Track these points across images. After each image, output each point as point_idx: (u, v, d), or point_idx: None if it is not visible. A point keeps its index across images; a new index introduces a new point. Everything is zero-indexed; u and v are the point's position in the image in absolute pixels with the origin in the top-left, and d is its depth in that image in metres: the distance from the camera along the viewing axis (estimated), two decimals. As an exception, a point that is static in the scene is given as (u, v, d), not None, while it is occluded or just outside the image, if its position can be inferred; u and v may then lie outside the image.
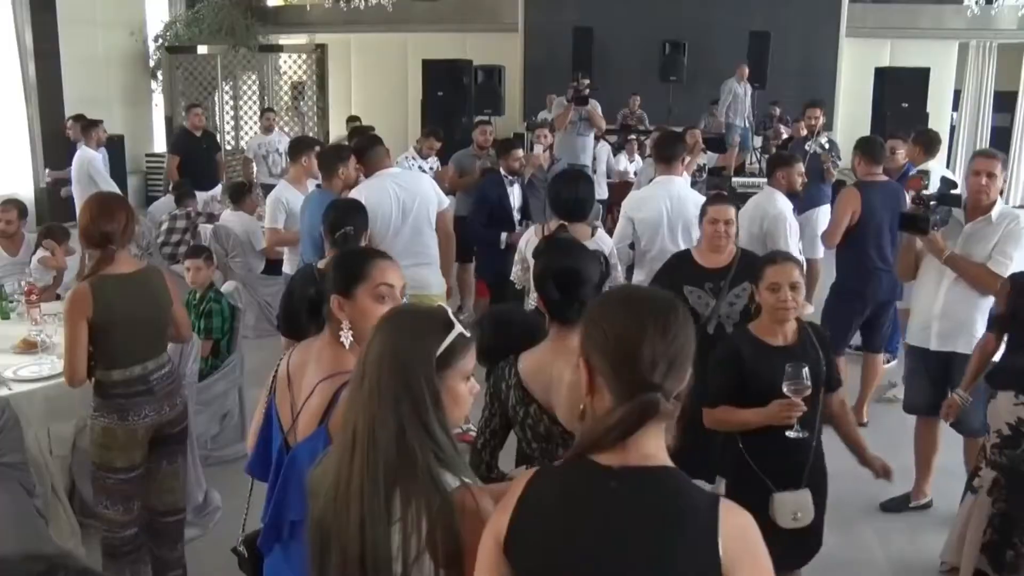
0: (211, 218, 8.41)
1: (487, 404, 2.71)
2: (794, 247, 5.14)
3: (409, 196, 5.24)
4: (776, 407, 3.08)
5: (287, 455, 2.28)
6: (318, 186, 5.73)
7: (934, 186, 4.83)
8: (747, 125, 13.35)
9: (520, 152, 7.02)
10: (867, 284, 5.66)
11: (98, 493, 3.66)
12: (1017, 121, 16.23)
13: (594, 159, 9.80)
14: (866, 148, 5.89)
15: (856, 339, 6.17)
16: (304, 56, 15.73)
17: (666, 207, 5.26)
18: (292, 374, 2.42)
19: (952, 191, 4.57)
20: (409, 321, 1.86)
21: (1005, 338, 4.00)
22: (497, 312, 3.05)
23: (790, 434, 3.14)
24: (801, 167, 5.67)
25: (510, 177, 6.75)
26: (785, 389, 3.03)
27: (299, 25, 17.49)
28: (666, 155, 5.54)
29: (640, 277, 5.22)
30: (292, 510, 2.18)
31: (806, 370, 3.02)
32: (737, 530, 1.51)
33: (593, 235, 4.60)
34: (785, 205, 5.34)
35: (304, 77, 15.69)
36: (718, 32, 14.93)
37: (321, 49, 15.86)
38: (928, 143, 6.90)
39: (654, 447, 1.56)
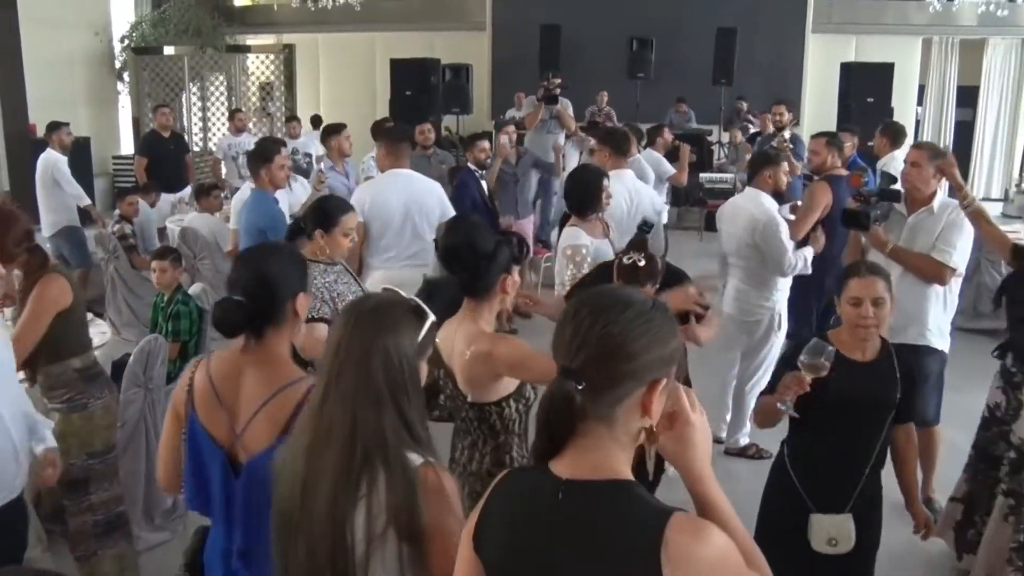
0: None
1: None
2: (789, 247, 5.13)
3: (414, 200, 5.32)
4: (788, 378, 2.90)
5: (236, 473, 2.22)
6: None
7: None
8: None
9: (486, 143, 7.09)
10: (828, 275, 5.72)
11: (99, 480, 3.74)
12: (979, 115, 16.46)
13: (564, 156, 9.83)
14: (834, 141, 5.97)
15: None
16: (272, 56, 15.67)
17: (625, 200, 5.34)
18: (219, 386, 2.28)
19: (892, 186, 4.65)
20: (386, 315, 1.89)
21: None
22: (430, 282, 3.12)
23: (780, 405, 2.94)
24: (787, 166, 5.65)
25: (479, 172, 6.80)
26: (800, 360, 2.87)
27: (267, 25, 17.43)
28: (621, 149, 5.66)
29: None
30: (249, 532, 2.17)
31: (831, 349, 2.83)
32: (686, 550, 1.39)
33: (607, 234, 4.66)
34: (772, 206, 5.31)
35: (272, 77, 15.63)
36: (685, 29, 15.03)
37: (289, 49, 15.82)
38: (894, 135, 7.07)
39: (609, 460, 1.50)
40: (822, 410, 2.95)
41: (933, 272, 4.41)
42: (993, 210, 13.80)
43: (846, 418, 2.99)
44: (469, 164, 6.95)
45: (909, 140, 8.45)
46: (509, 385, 2.83)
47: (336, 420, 1.82)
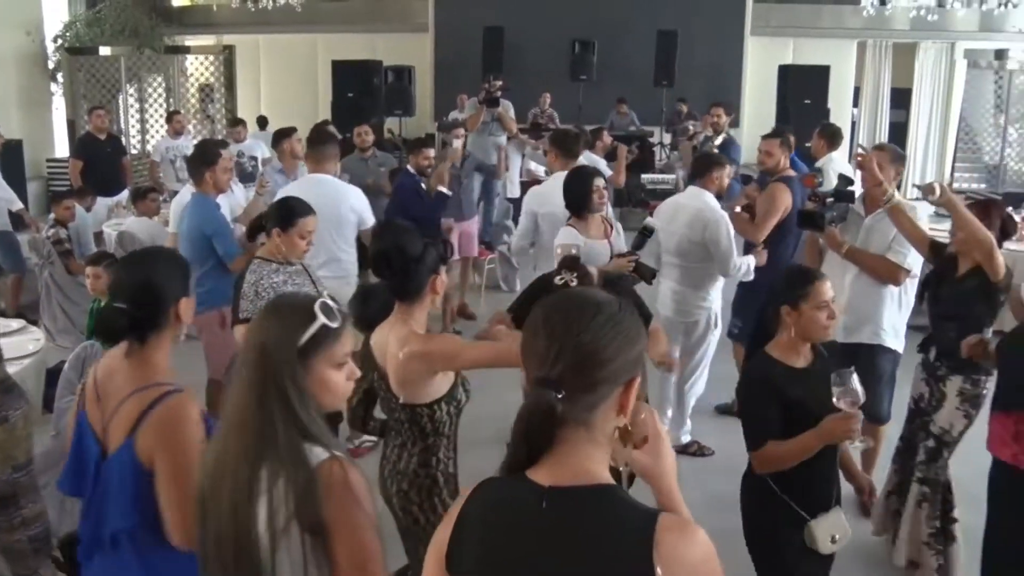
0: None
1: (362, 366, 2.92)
2: (733, 247, 5.17)
3: (327, 208, 5.17)
4: (833, 423, 2.80)
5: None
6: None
7: (831, 182, 4.98)
8: None
9: (431, 151, 7.05)
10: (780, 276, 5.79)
11: (27, 493, 3.53)
12: (912, 117, 16.86)
13: (506, 158, 9.85)
14: (786, 142, 5.98)
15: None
16: (212, 58, 15.45)
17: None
18: (100, 383, 2.39)
19: (848, 187, 4.69)
20: (279, 312, 1.94)
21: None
22: (364, 288, 3.17)
23: (854, 446, 2.90)
24: (730, 168, 5.69)
25: (420, 177, 6.78)
26: (839, 402, 2.77)
27: (206, 26, 17.18)
28: (570, 151, 5.67)
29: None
30: (111, 522, 2.25)
31: (854, 376, 2.76)
32: (676, 550, 1.43)
33: (608, 235, 4.70)
34: (716, 205, 5.38)
35: (212, 79, 15.42)
36: (627, 31, 15.17)
37: (229, 50, 15.60)
38: (831, 136, 7.16)
39: (589, 463, 1.51)
40: (793, 424, 2.92)
41: (888, 273, 4.47)
42: (927, 209, 14.11)
43: (805, 427, 2.94)
44: (409, 167, 6.91)
45: (847, 142, 8.65)
46: (442, 387, 2.89)
47: (235, 412, 1.88)
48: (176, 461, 2.20)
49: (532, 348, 1.51)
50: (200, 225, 5.05)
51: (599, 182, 4.70)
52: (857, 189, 4.79)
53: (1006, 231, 4.00)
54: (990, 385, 3.78)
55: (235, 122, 11.56)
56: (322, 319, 1.92)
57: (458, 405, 2.93)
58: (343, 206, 5.38)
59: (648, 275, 4.55)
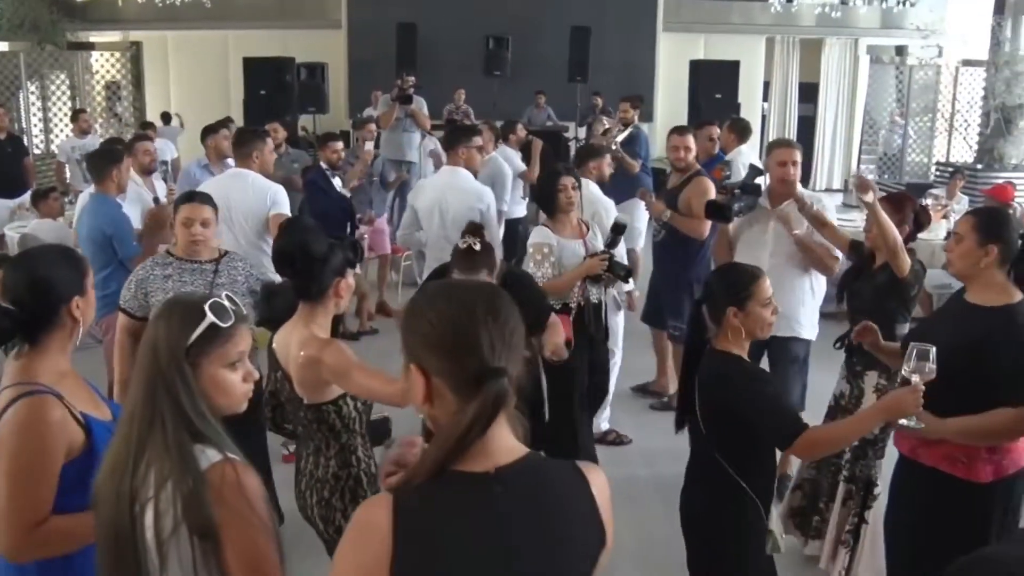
0: None
1: (270, 365, 2.96)
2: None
3: (245, 202, 5.13)
4: (903, 396, 2.70)
5: None
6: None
7: (740, 176, 5.06)
8: None
9: (339, 144, 7.01)
10: (699, 268, 5.89)
11: None
12: (819, 110, 17.33)
13: (420, 156, 9.83)
14: (698, 135, 6.04)
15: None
16: (118, 54, 15.07)
17: (441, 197, 5.37)
18: None
19: (757, 179, 4.73)
20: (170, 312, 1.91)
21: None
22: (268, 286, 3.12)
23: (907, 423, 2.83)
24: (609, 158, 5.83)
25: (331, 171, 6.73)
26: (912, 375, 2.69)
27: (111, 22, 16.69)
28: (449, 144, 5.67)
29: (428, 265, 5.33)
30: None
31: (933, 351, 2.69)
32: (603, 487, 1.57)
33: (583, 235, 4.67)
34: (600, 193, 5.47)
35: (119, 76, 15.03)
36: (540, 27, 15.27)
37: (136, 47, 15.25)
38: (741, 130, 7.31)
39: (510, 438, 1.52)
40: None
41: (829, 263, 4.56)
42: (834, 200, 14.53)
43: None
44: (321, 163, 6.87)
45: (757, 135, 8.87)
46: None
47: (128, 407, 1.86)
48: (6, 466, 2.10)
49: (466, 343, 1.46)
50: (101, 226, 4.93)
51: (567, 181, 4.63)
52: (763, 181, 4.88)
53: (919, 223, 4.06)
54: None
55: (144, 126, 11.31)
56: (211, 318, 1.87)
57: (366, 400, 2.85)
58: (263, 201, 5.27)
59: (622, 274, 4.56)
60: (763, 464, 2.92)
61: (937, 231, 8.55)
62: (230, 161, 7.34)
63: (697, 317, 3.02)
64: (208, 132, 7.09)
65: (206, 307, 1.89)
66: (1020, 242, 3.03)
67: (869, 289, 3.94)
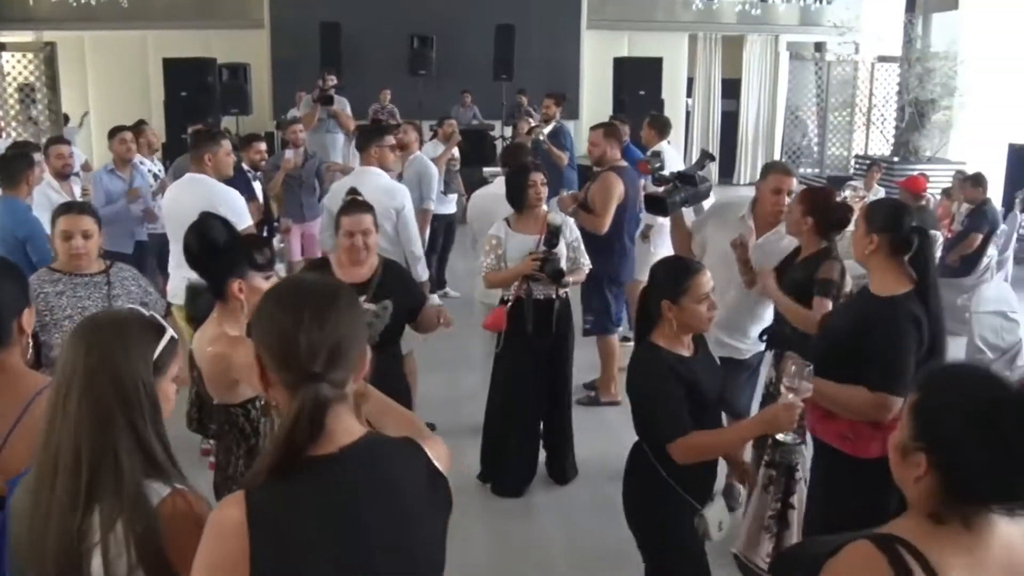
0: None
1: (190, 364, 2.93)
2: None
3: (200, 208, 5.02)
4: (780, 411, 2.72)
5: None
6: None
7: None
8: None
9: (262, 145, 6.93)
10: (623, 267, 5.93)
11: None
12: (742, 106, 17.62)
13: (346, 157, 9.76)
14: (612, 132, 6.01)
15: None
16: (31, 55, 14.63)
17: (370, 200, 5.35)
18: None
19: (698, 170, 4.64)
20: (117, 330, 1.78)
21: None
22: (193, 285, 3.08)
23: (784, 438, 2.86)
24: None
25: (253, 172, 6.64)
26: (788, 392, 2.69)
27: (23, 21, 16.17)
28: (361, 146, 5.64)
29: None
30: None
31: (809, 368, 2.68)
32: (442, 454, 1.68)
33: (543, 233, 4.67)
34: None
35: (32, 78, 14.60)
36: (465, 26, 15.24)
37: (51, 47, 14.81)
38: (661, 126, 7.39)
39: (351, 423, 1.60)
40: (691, 415, 2.90)
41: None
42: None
43: (712, 413, 3.03)
44: (243, 165, 6.78)
45: (681, 131, 8.98)
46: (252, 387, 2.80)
47: (63, 447, 1.69)
48: None
49: (287, 347, 1.52)
50: (12, 229, 4.81)
51: (536, 177, 4.72)
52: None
53: (841, 220, 3.96)
54: None
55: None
56: (171, 331, 1.83)
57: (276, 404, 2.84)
58: (218, 207, 5.15)
59: (554, 275, 4.56)
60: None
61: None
62: (142, 161, 7.21)
63: (645, 307, 3.05)
64: (110, 136, 6.91)
65: (160, 322, 1.84)
66: (915, 235, 3.07)
67: (793, 282, 3.90)
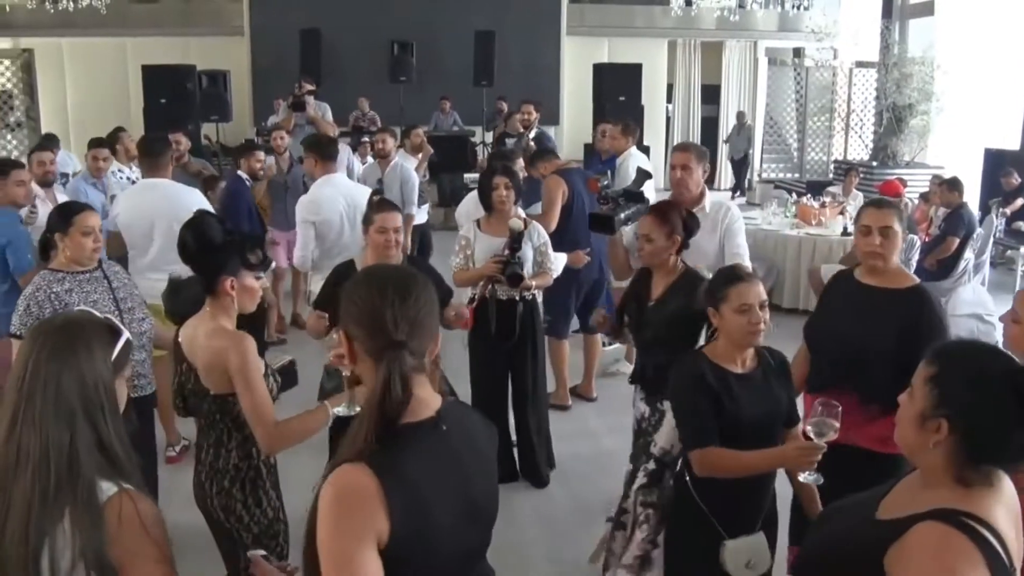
0: None
1: (175, 359, 2.99)
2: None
3: (167, 211, 5.00)
4: (797, 451, 2.63)
5: None
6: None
7: (628, 178, 5.05)
8: None
9: (262, 154, 6.90)
10: (578, 267, 5.94)
11: None
12: (722, 111, 17.72)
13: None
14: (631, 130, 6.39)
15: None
16: (8, 62, 14.56)
17: (343, 206, 5.50)
18: None
19: (639, 187, 4.49)
20: (75, 333, 1.82)
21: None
22: (174, 280, 3.11)
23: (805, 478, 2.68)
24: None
25: (251, 181, 6.62)
26: (810, 431, 2.58)
27: (0, 28, 16.14)
28: (327, 154, 5.79)
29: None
30: None
31: (839, 411, 2.56)
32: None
33: (526, 227, 4.72)
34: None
35: (10, 85, 14.54)
36: (444, 32, 15.28)
37: (28, 54, 14.75)
38: (628, 132, 7.32)
39: (430, 391, 1.78)
40: (726, 437, 2.76)
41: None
42: (736, 201, 14.89)
43: (747, 435, 2.76)
44: (240, 172, 6.72)
45: (662, 136, 8.99)
46: None
47: (27, 446, 1.73)
48: None
49: (373, 318, 1.72)
50: None
51: (499, 180, 4.76)
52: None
53: (689, 230, 3.72)
54: None
55: (47, 138, 10.93)
56: (127, 333, 1.86)
57: (271, 393, 2.87)
58: (182, 210, 5.12)
59: (511, 279, 4.59)
60: (718, 480, 2.80)
61: (833, 227, 8.86)
62: (120, 169, 7.18)
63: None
64: (89, 148, 6.89)
65: (116, 324, 1.87)
66: None
67: (660, 319, 3.66)
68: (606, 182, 4.37)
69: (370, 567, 1.56)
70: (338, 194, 5.52)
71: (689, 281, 3.62)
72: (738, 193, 16.23)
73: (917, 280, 3.20)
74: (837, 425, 2.57)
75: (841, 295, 3.40)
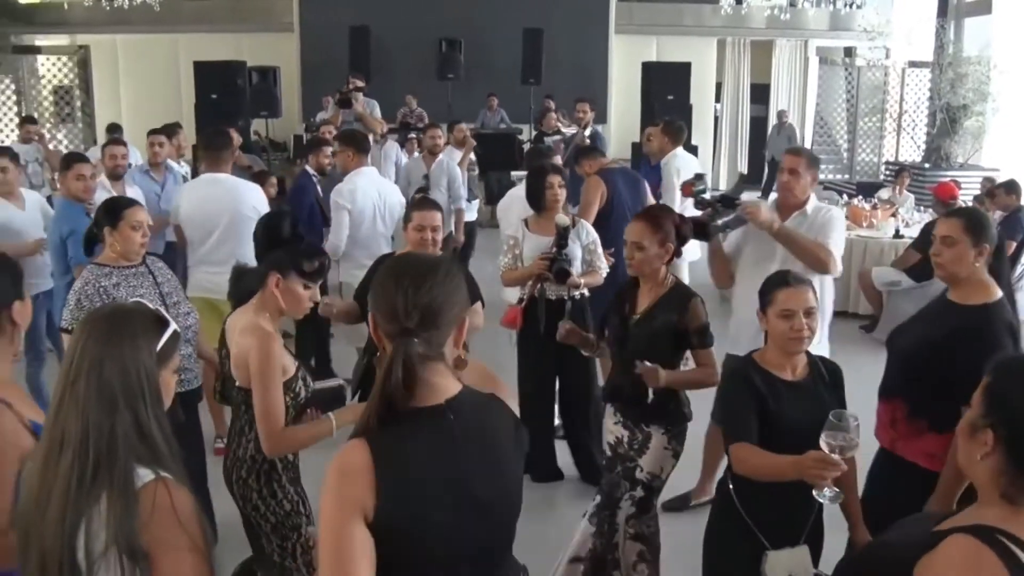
0: None
1: (220, 342, 3.12)
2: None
3: (225, 206, 5.12)
4: (811, 461, 2.43)
5: None
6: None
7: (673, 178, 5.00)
8: None
9: (330, 149, 6.94)
10: (617, 269, 5.88)
11: None
12: (771, 111, 17.53)
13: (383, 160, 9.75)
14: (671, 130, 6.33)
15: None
16: (65, 58, 14.83)
17: (375, 198, 5.68)
18: None
19: (738, 194, 4.31)
20: (122, 322, 1.87)
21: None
22: (239, 268, 3.24)
23: (819, 496, 2.49)
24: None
25: (318, 176, 6.67)
26: (823, 442, 2.39)
27: (58, 25, 16.43)
28: (363, 147, 5.92)
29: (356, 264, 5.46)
30: None
31: (856, 423, 2.39)
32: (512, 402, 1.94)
33: (574, 225, 4.76)
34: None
35: (67, 81, 14.80)
36: (493, 29, 15.27)
37: (84, 50, 15.01)
38: (674, 133, 7.10)
39: (450, 381, 1.81)
40: (766, 441, 2.70)
41: (820, 256, 3.98)
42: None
43: (792, 444, 2.60)
44: (307, 168, 6.73)
45: (710, 135, 8.90)
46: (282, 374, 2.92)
47: (69, 429, 1.78)
48: None
49: (388, 305, 1.76)
50: (59, 228, 4.98)
51: (553, 179, 4.75)
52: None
53: (682, 237, 3.61)
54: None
55: (111, 129, 11.12)
56: (173, 325, 1.89)
57: (295, 397, 2.92)
58: (243, 205, 5.18)
59: (559, 275, 4.58)
60: (761, 489, 2.73)
61: (885, 229, 8.72)
62: (173, 164, 7.28)
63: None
64: (150, 134, 7.05)
65: (163, 315, 1.90)
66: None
67: (643, 334, 3.51)
68: (702, 187, 4.21)
69: (356, 537, 1.64)
70: (372, 186, 5.65)
71: (678, 296, 3.49)
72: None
73: (994, 296, 3.01)
74: (858, 441, 2.40)
75: (931, 304, 3.32)
